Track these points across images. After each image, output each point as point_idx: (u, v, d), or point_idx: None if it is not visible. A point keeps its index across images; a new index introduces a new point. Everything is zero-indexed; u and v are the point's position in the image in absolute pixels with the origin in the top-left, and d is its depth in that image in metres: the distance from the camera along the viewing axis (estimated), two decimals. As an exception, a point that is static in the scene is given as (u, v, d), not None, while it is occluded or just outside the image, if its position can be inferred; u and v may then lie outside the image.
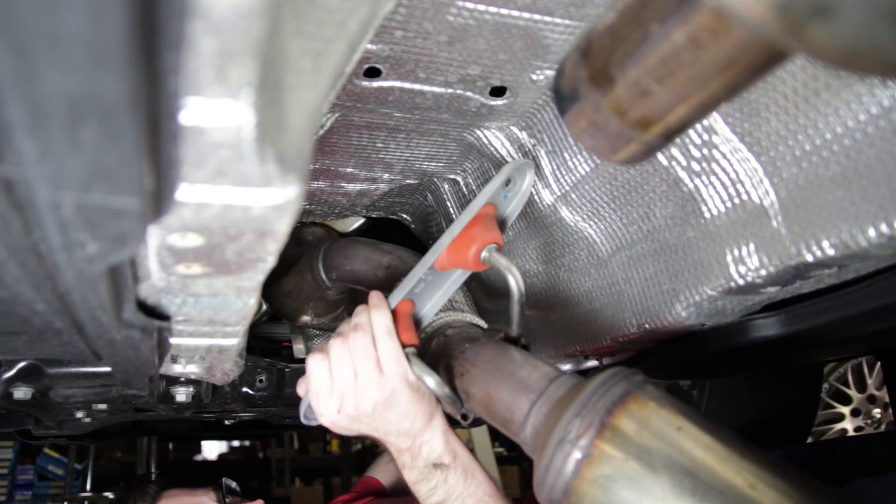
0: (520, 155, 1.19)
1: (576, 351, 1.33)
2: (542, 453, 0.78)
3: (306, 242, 1.78)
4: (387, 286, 1.33)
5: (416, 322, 1.08)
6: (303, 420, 1.08)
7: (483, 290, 1.66)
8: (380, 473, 1.97)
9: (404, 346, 0.99)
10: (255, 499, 1.75)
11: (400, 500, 1.88)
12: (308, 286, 1.63)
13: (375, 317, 0.99)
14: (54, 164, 0.37)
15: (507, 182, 1.03)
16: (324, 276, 1.57)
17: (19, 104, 0.33)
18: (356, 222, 1.90)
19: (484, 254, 0.98)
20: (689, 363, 1.25)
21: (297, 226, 1.55)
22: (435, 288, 1.09)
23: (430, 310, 1.10)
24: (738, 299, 0.99)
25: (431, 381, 0.96)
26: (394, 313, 1.02)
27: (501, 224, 1.06)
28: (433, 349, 1.08)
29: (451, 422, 1.03)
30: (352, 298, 1.83)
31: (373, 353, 0.96)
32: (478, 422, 1.21)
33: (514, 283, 0.98)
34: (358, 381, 0.96)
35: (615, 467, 0.72)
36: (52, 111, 0.34)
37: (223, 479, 1.76)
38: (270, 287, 1.72)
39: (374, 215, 1.67)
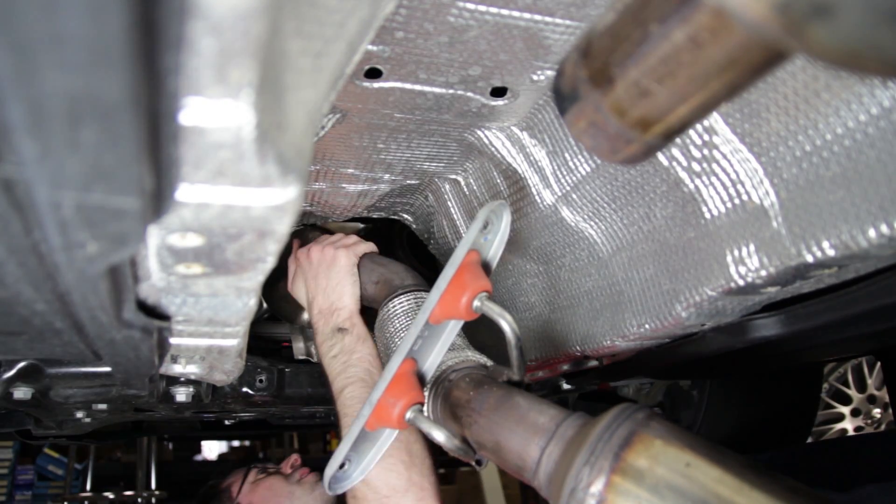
0: (521, 156, 1.19)
1: (576, 351, 1.33)
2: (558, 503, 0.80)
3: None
4: (375, 301, 1.33)
5: (421, 377, 1.09)
6: (328, 489, 1.08)
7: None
8: None
9: (412, 405, 1.00)
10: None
11: None
12: None
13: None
14: (54, 164, 0.37)
15: (485, 225, 1.03)
16: None
17: (19, 104, 0.33)
18: (354, 229, 1.90)
19: (476, 303, 0.99)
20: (689, 363, 1.25)
21: (295, 230, 1.55)
22: (433, 342, 1.10)
23: (432, 363, 1.11)
24: (738, 299, 0.99)
25: (441, 436, 0.97)
26: (397, 377, 1.02)
27: (486, 267, 1.06)
28: (439, 397, 1.09)
29: (466, 465, 1.06)
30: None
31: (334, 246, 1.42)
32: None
33: (509, 328, 0.99)
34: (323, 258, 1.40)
35: None
36: (52, 111, 0.34)
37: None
38: (268, 289, 1.72)
39: (374, 215, 1.67)
